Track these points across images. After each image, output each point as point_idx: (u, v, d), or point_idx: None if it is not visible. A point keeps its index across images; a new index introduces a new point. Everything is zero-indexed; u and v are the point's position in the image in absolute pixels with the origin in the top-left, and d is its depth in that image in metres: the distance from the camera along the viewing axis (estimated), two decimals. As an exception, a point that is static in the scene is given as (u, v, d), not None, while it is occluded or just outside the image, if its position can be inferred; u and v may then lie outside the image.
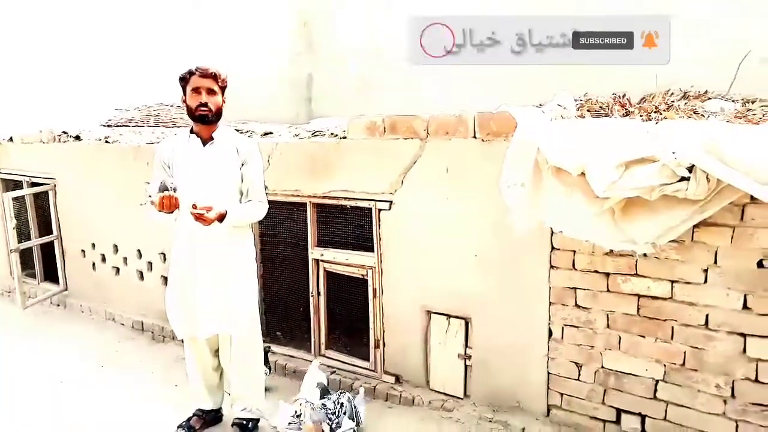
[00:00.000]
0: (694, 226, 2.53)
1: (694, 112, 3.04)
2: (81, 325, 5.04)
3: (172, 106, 6.26)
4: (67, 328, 4.95)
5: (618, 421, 2.91)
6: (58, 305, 5.52)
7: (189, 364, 3.25)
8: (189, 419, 3.25)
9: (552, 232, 2.94)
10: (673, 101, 3.41)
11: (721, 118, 2.82)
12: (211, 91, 2.89)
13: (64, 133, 5.26)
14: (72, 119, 5.82)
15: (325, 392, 3.25)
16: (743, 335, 2.52)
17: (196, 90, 2.88)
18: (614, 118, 2.84)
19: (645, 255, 2.64)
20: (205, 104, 2.88)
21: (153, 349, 4.47)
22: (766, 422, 2.51)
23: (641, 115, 2.99)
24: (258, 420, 3.22)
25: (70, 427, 3.30)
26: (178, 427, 3.20)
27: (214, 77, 2.89)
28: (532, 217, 2.66)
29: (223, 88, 2.95)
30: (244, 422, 3.16)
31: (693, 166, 2.03)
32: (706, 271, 2.57)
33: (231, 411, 3.27)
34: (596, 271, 2.86)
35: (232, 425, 3.19)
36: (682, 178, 2.05)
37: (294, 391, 3.57)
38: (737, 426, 2.57)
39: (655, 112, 3.06)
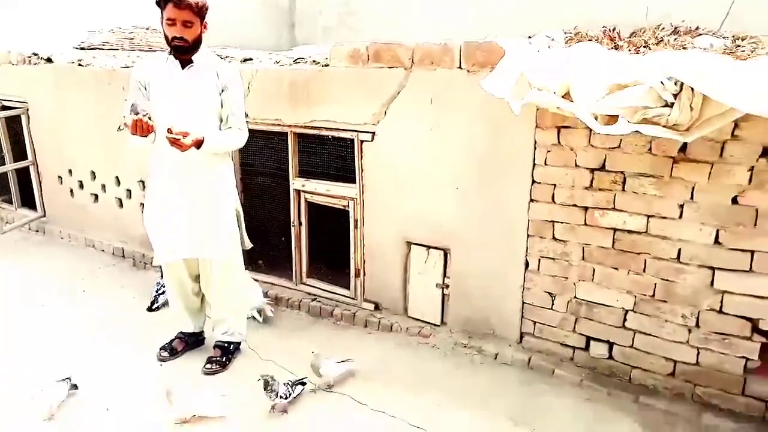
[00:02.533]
0: (674, 162, 2.57)
1: (683, 48, 3.00)
2: (61, 250, 5.02)
3: (147, 29, 5.99)
4: (48, 254, 4.94)
5: (587, 348, 3.04)
6: (37, 231, 5.47)
7: (168, 289, 3.27)
8: (171, 341, 3.31)
9: (534, 165, 2.95)
10: (663, 36, 3.35)
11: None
12: (187, 23, 2.70)
13: (35, 54, 5.04)
14: (43, 40, 5.54)
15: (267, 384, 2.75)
16: (712, 268, 2.61)
17: (172, 21, 2.70)
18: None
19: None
20: (181, 38, 2.73)
21: (134, 275, 4.49)
22: (726, 350, 2.63)
23: (629, 50, 2.94)
24: (239, 343, 3.29)
25: (52, 350, 3.35)
26: (160, 349, 3.27)
27: (191, 8, 2.67)
28: (519, 99, 2.52)
29: (202, 16, 2.76)
30: (226, 345, 3.23)
31: (678, 93, 2.02)
32: (682, 206, 2.62)
33: (212, 334, 3.33)
34: (575, 205, 2.90)
35: (214, 347, 3.25)
36: (666, 104, 2.04)
37: (278, 317, 3.65)
38: (698, 353, 2.71)
39: (644, 46, 3.01)
